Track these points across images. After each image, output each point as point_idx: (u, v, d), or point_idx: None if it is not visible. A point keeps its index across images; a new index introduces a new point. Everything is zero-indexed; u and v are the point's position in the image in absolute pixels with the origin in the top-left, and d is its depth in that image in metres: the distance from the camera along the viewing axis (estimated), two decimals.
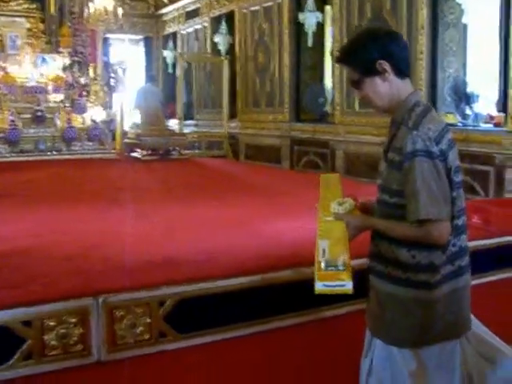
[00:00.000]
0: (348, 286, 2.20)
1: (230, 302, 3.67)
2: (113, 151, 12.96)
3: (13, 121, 12.09)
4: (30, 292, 3.26)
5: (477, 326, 2.65)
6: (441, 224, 2.29)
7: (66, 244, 4.45)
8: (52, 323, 3.17)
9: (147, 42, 18.07)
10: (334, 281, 2.23)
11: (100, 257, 4.06)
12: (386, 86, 2.41)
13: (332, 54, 10.57)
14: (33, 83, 13.07)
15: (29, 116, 12.45)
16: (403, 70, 2.44)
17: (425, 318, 2.41)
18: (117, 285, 3.48)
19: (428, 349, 2.45)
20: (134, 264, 3.87)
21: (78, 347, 3.27)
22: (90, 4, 14.04)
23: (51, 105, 12.95)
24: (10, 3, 15.07)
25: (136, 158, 12.37)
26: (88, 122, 13.06)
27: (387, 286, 2.47)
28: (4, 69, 13.02)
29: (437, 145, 2.29)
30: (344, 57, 2.52)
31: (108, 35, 16.25)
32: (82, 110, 13.13)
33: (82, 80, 13.79)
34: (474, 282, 4.60)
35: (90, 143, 12.89)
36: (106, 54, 16.10)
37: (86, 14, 14.25)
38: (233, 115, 13.82)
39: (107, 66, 15.35)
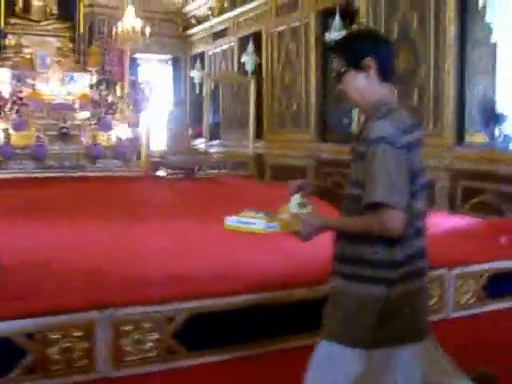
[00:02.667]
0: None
1: (239, 319, 3.58)
2: (137, 169, 12.95)
3: (39, 137, 12.16)
4: (36, 304, 3.18)
5: (435, 346, 2.58)
6: (394, 212, 2.25)
7: (83, 258, 4.39)
8: (55, 336, 3.08)
9: (175, 61, 18.17)
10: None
11: (114, 271, 3.99)
12: (366, 84, 2.46)
13: None
14: (60, 100, 13.17)
15: (55, 133, 12.51)
16: (386, 73, 2.48)
17: (379, 317, 2.34)
18: (126, 299, 3.38)
19: (379, 351, 2.37)
20: (147, 279, 3.78)
21: (82, 362, 3.17)
22: (119, 24, 14.17)
23: (77, 122, 13.01)
24: (41, 23, 15.27)
25: (160, 177, 12.36)
26: (113, 140, 13.09)
27: (343, 283, 2.43)
28: (32, 86, 13.13)
29: (402, 136, 2.30)
30: (337, 45, 2.61)
31: (136, 55, 16.35)
32: (107, 127, 13.16)
33: (109, 98, 13.86)
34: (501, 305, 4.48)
35: (115, 161, 12.91)
36: (133, 73, 16.18)
37: (114, 34, 14.39)
38: (259, 135, 13.76)
39: (134, 84, 15.42)
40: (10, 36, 14.55)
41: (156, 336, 3.37)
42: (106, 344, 3.23)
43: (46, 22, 15.36)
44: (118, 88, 14.41)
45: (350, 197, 2.45)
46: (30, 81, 13.26)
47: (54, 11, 15.65)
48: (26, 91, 12.92)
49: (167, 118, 13.66)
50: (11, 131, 12.13)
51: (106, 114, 13.36)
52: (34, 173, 11.88)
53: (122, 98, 14.25)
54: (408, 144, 2.31)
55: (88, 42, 15.83)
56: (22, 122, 12.37)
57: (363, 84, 2.46)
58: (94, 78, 14.08)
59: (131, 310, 3.31)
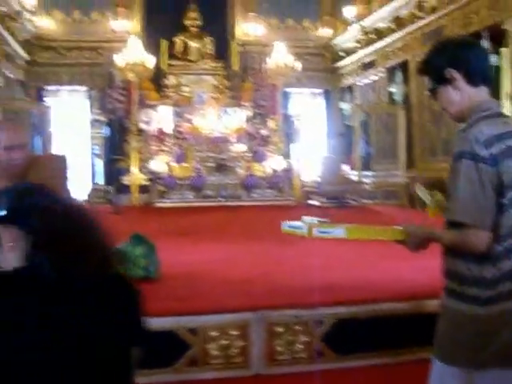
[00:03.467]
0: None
1: (384, 326, 3.71)
2: (291, 198, 13.35)
3: (198, 169, 12.92)
4: (199, 304, 3.52)
5: None
6: (476, 231, 2.18)
7: (235, 271, 4.74)
8: (215, 334, 3.41)
9: (327, 94, 18.44)
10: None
11: (263, 281, 4.27)
12: (458, 95, 2.38)
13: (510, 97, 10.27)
14: (216, 134, 13.90)
15: (212, 164, 13.27)
16: (474, 78, 2.37)
17: (475, 336, 2.24)
18: (277, 303, 3.65)
19: (482, 373, 2.25)
20: (296, 287, 4.02)
21: (239, 359, 3.47)
22: (270, 60, 14.72)
23: (233, 154, 13.69)
24: (198, 63, 16.18)
25: (313, 205, 12.62)
26: (268, 171, 13.60)
27: (445, 298, 2.37)
28: (191, 121, 13.96)
29: (486, 148, 2.18)
30: (420, 66, 2.54)
31: (288, 89, 16.83)
32: (262, 159, 13.72)
33: (263, 131, 14.42)
34: None
35: (270, 191, 13.41)
36: (285, 106, 16.68)
37: (265, 70, 14.95)
38: (409, 164, 13.71)
39: (286, 118, 15.90)
40: (170, 76, 15.58)
41: (306, 338, 3.59)
42: (260, 343, 3.50)
43: (202, 62, 16.28)
44: (270, 121, 14.92)
45: (446, 211, 2.39)
46: (188, 116, 14.12)
47: (210, 51, 16.56)
48: (185, 126, 13.79)
49: (326, 148, 13.95)
50: (173, 163, 12.98)
51: (260, 146, 13.93)
52: (193, 202, 12.61)
53: (275, 130, 14.76)
54: (496, 155, 2.19)
55: (241, 79, 16.50)
56: (183, 154, 13.20)
57: (455, 96, 2.38)
58: (248, 113, 14.70)
59: (282, 313, 3.56)
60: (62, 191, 3.83)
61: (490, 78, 2.44)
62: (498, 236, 2.20)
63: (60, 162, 4.18)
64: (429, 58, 2.47)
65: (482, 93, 2.38)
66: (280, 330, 3.56)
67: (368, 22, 14.41)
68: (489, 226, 2.18)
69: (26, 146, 3.64)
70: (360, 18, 14.63)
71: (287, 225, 2.69)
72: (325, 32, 17.11)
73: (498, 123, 2.29)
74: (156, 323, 3.29)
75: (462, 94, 2.36)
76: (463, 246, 2.23)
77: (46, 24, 16.01)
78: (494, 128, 2.24)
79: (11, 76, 14.08)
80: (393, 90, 13.99)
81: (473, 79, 2.35)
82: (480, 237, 2.18)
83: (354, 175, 14.55)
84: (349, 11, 15.13)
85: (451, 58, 2.37)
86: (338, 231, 2.56)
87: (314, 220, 2.64)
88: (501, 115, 2.38)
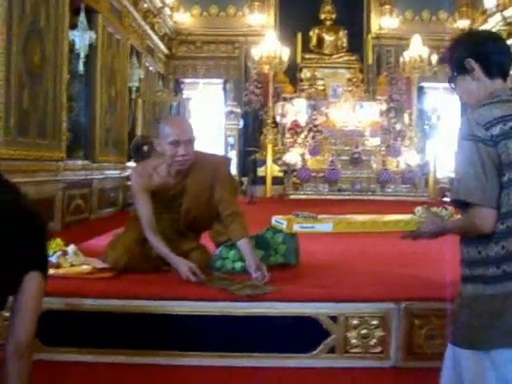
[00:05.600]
0: None
1: None
2: (425, 194, 13.09)
3: (332, 162, 12.93)
4: (338, 292, 3.52)
5: None
6: (481, 209, 2.23)
7: (373, 262, 4.72)
8: (355, 322, 3.40)
9: None
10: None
11: (402, 274, 4.21)
12: (475, 85, 2.47)
13: None
14: (351, 128, 13.85)
15: (347, 158, 13.24)
16: (492, 70, 2.45)
17: (481, 316, 2.26)
18: (416, 295, 3.59)
19: (493, 353, 2.23)
20: (434, 280, 3.94)
21: (377, 349, 3.45)
22: (405, 53, 14.47)
23: (367, 148, 13.60)
24: (333, 56, 16.17)
25: (448, 202, 12.31)
26: (402, 166, 13.41)
27: (460, 285, 2.39)
28: (326, 114, 13.99)
29: (487, 130, 2.25)
30: (443, 55, 2.71)
31: (422, 83, 16.47)
32: (396, 153, 13.54)
33: (398, 126, 14.22)
34: None
35: (403, 186, 13.22)
36: (420, 101, 16.36)
37: (401, 63, 14.73)
38: None
39: (422, 113, 15.60)
40: (305, 69, 15.66)
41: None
42: (400, 335, 3.47)
43: (337, 55, 16.28)
44: (405, 116, 14.71)
45: None
46: (323, 109, 14.15)
47: (345, 45, 16.52)
48: (320, 119, 13.83)
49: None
50: (307, 156, 13.06)
51: (394, 140, 13.74)
52: (327, 195, 12.64)
53: (409, 125, 14.52)
54: (496, 136, 2.25)
55: (376, 72, 16.34)
56: (317, 147, 13.25)
57: (472, 86, 2.47)
58: (383, 107, 14.55)
59: (424, 305, 3.51)
60: (222, 193, 3.93)
61: (507, 72, 2.51)
62: (499, 215, 2.25)
63: (222, 163, 4.26)
64: (452, 48, 2.60)
65: (497, 85, 2.45)
66: (420, 322, 3.50)
67: (511, 12, 13.82)
68: (493, 204, 2.24)
69: (193, 142, 3.73)
70: (502, 7, 14.05)
71: (274, 219, 3.19)
72: (462, 24, 16.59)
73: (503, 107, 2.35)
74: (296, 308, 3.35)
75: (478, 84, 2.46)
76: (470, 227, 2.30)
77: (185, 19, 16.52)
78: (498, 111, 2.32)
79: (152, 69, 14.64)
80: None
81: (490, 71, 2.45)
82: (485, 215, 2.24)
83: None
84: (490, 1, 14.56)
85: (473, 49, 2.48)
86: (325, 226, 3.07)
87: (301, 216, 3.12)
88: (509, 101, 2.41)
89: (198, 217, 3.97)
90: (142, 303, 3.35)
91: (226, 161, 5.12)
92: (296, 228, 3.15)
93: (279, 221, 3.17)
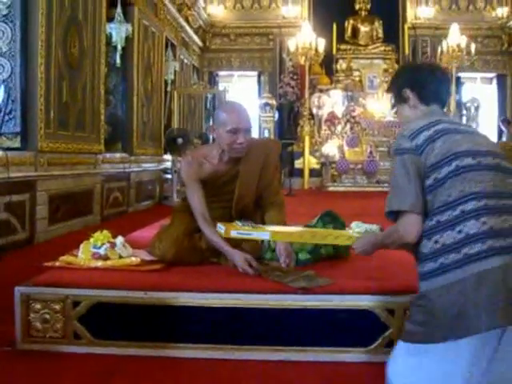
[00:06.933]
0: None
1: None
2: None
3: (371, 153, 12.78)
4: (393, 285, 3.42)
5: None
6: (410, 217, 2.36)
7: None
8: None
9: (499, 80, 17.57)
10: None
11: None
12: (413, 113, 2.67)
13: None
14: (389, 119, 13.68)
15: (385, 149, 13.03)
16: (425, 97, 2.64)
17: (424, 313, 2.29)
18: None
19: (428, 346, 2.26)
20: None
21: None
22: (443, 43, 14.25)
23: None
24: (368, 47, 16.01)
25: None
26: None
27: None
28: (363, 105, 13.86)
29: (411, 140, 2.41)
30: (388, 85, 2.93)
31: (460, 74, 16.22)
32: None
33: None
34: None
35: None
36: (458, 92, 16.12)
37: (438, 53, 14.51)
38: None
39: (459, 103, 15.38)
40: (340, 61, 15.53)
41: None
42: None
43: (372, 46, 16.14)
44: None
45: None
46: (360, 100, 14.02)
47: (380, 35, 16.36)
48: (357, 110, 13.71)
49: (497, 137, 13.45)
50: (345, 147, 12.95)
51: None
52: (365, 187, 12.51)
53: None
54: (418, 146, 2.38)
55: None
56: (355, 138, 13.13)
57: (411, 114, 2.67)
58: None
59: None
60: (271, 179, 3.85)
61: (443, 99, 2.71)
62: (428, 212, 2.35)
63: (275, 147, 4.20)
64: (392, 79, 2.89)
65: (434, 110, 2.63)
66: None
67: None
68: (419, 209, 2.35)
69: (250, 130, 3.66)
70: None
71: (218, 226, 3.42)
72: (501, 11, 16.29)
73: (432, 118, 2.50)
74: (353, 301, 3.25)
75: (415, 111, 2.67)
76: (394, 236, 2.46)
77: (219, 12, 16.51)
78: (424, 121, 2.48)
79: (186, 62, 14.62)
80: None
81: (426, 99, 2.65)
82: (412, 222, 2.36)
83: None
84: None
85: (409, 79, 2.71)
86: (263, 234, 3.29)
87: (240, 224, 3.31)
88: (440, 115, 2.58)
89: (248, 203, 3.87)
90: (194, 295, 3.27)
91: (278, 145, 5.02)
92: (233, 234, 3.29)
93: (220, 226, 3.39)
